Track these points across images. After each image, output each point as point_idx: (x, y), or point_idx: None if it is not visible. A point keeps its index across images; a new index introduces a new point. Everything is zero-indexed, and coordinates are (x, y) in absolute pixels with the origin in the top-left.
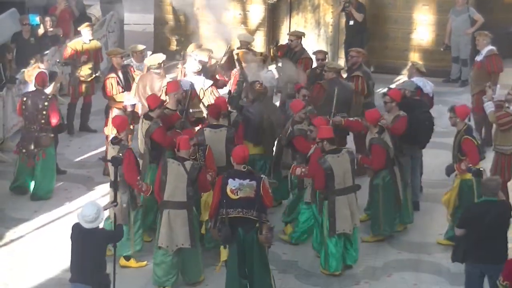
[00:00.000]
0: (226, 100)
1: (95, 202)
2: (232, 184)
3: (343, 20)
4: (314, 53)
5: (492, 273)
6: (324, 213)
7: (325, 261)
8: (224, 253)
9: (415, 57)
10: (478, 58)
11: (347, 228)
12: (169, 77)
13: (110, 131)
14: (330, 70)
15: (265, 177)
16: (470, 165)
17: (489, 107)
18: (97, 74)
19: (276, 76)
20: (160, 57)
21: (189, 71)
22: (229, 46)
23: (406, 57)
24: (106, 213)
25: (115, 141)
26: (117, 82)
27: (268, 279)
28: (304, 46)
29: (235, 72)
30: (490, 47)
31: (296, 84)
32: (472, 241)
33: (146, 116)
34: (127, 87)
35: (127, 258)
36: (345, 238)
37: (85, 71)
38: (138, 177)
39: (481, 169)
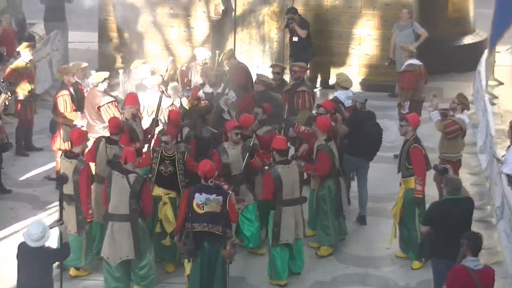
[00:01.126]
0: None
1: (40, 221)
2: (199, 198)
3: (288, 36)
4: (271, 66)
5: None
6: (270, 223)
7: (271, 271)
8: (187, 267)
9: (360, 72)
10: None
11: (290, 239)
12: (114, 93)
13: (60, 145)
14: (260, 83)
15: (232, 193)
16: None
17: (435, 116)
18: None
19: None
20: (104, 74)
21: (149, 84)
22: (172, 61)
23: (351, 72)
24: (53, 231)
25: (71, 155)
26: (71, 99)
27: None
28: (249, 62)
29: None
30: (409, 61)
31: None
32: (438, 238)
33: (109, 141)
34: (77, 105)
35: (77, 268)
36: (289, 249)
37: (25, 90)
38: (89, 200)
39: (446, 167)
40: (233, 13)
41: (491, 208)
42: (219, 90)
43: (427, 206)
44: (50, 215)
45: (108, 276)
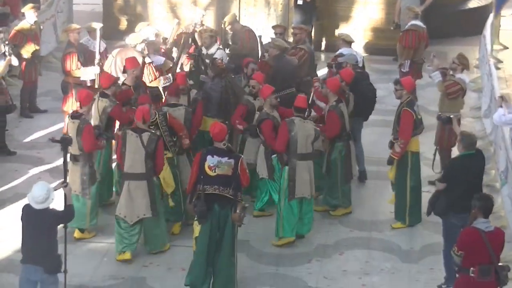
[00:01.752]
0: (185, 75)
1: (45, 183)
2: (211, 161)
3: None
4: (272, 27)
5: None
6: (284, 177)
7: (280, 227)
8: (196, 229)
9: (365, 35)
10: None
11: (306, 193)
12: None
13: (70, 107)
14: (275, 47)
15: (242, 156)
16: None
17: (436, 76)
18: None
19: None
20: (143, 35)
21: (150, 50)
22: (177, 24)
23: (356, 36)
24: (58, 194)
25: (75, 115)
26: (77, 57)
27: (232, 258)
28: (254, 25)
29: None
30: (412, 22)
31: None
32: (456, 193)
33: (102, 94)
34: (83, 63)
35: (82, 230)
36: (301, 206)
37: (29, 52)
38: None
39: (451, 116)
40: None
41: (495, 172)
42: (212, 51)
43: (419, 168)
44: (54, 177)
45: (120, 236)
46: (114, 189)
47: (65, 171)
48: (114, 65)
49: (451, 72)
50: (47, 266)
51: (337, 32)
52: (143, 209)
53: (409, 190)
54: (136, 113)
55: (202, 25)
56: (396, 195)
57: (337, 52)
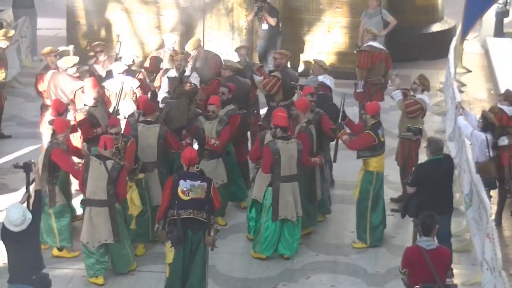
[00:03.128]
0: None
1: (18, 204)
2: (184, 185)
3: (257, 23)
4: (236, 49)
5: (443, 222)
6: (266, 197)
7: (257, 242)
8: (170, 256)
9: (329, 59)
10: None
11: (289, 214)
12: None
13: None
14: (227, 68)
15: (213, 179)
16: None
17: (397, 95)
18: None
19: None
20: (75, 58)
21: (115, 71)
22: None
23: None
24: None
25: (51, 138)
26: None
27: (203, 283)
28: (218, 50)
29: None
30: (370, 43)
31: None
32: (424, 196)
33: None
34: None
35: (60, 248)
36: (285, 226)
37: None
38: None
39: (420, 127)
40: (201, 0)
41: (459, 195)
42: (187, 73)
43: (382, 188)
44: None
45: (88, 258)
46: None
47: (28, 197)
48: (48, 90)
49: (411, 93)
50: (36, 286)
51: (301, 56)
52: (105, 234)
53: (369, 210)
54: (99, 141)
55: (174, 49)
56: (357, 214)
57: (319, 80)
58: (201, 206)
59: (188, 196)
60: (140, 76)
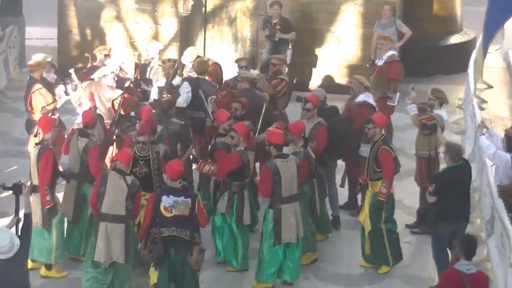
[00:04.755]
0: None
1: (5, 229)
2: (166, 201)
3: (262, 34)
4: (236, 61)
5: (460, 229)
6: (268, 220)
7: (260, 270)
8: (154, 276)
9: (339, 73)
10: (379, 62)
11: (292, 238)
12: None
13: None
14: (243, 80)
15: (199, 195)
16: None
17: (412, 109)
18: None
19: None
20: (114, 66)
21: (105, 78)
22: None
23: (330, 73)
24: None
25: (39, 142)
26: (46, 93)
27: None
28: (221, 61)
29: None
30: (392, 52)
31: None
32: (444, 204)
33: (82, 133)
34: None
35: (48, 267)
36: (286, 250)
37: None
38: (47, 186)
39: (435, 123)
40: (203, 9)
41: (480, 221)
42: (177, 82)
43: (394, 208)
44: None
45: (92, 278)
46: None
47: (17, 221)
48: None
49: (429, 109)
50: None
51: (309, 70)
52: (117, 252)
53: (385, 233)
54: (119, 156)
55: (160, 59)
56: (372, 241)
57: (359, 100)
58: (185, 223)
59: (171, 212)
60: (128, 84)
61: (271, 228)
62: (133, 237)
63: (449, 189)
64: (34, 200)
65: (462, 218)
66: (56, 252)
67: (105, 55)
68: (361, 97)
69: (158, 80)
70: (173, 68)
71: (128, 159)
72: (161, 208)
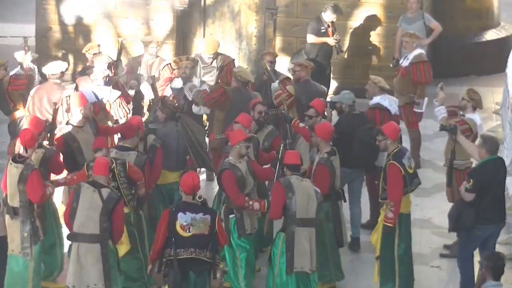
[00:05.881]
0: (142, 120)
1: None
2: (183, 219)
3: (270, 30)
4: (260, 56)
5: (496, 233)
6: (278, 246)
7: None
8: None
9: (361, 74)
10: (404, 63)
11: (306, 266)
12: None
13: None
14: (237, 80)
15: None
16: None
17: (440, 112)
18: None
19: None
20: (62, 65)
21: (95, 79)
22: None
23: (349, 74)
24: None
25: (19, 159)
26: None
27: None
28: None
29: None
30: (419, 51)
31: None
32: (484, 203)
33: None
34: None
35: None
36: (299, 281)
37: None
38: (42, 194)
39: (455, 124)
40: (202, 2)
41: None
42: (195, 83)
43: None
44: None
45: None
46: None
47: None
48: (32, 105)
49: (461, 112)
50: None
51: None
52: (95, 278)
53: (397, 260)
54: (94, 166)
55: (156, 57)
56: (382, 266)
57: (373, 102)
58: (204, 243)
59: (189, 232)
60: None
61: (282, 254)
62: (115, 259)
63: (489, 185)
64: (12, 225)
65: (501, 220)
66: (33, 282)
67: (94, 54)
68: (375, 100)
69: (163, 77)
70: (192, 68)
71: (104, 168)
72: (177, 227)
